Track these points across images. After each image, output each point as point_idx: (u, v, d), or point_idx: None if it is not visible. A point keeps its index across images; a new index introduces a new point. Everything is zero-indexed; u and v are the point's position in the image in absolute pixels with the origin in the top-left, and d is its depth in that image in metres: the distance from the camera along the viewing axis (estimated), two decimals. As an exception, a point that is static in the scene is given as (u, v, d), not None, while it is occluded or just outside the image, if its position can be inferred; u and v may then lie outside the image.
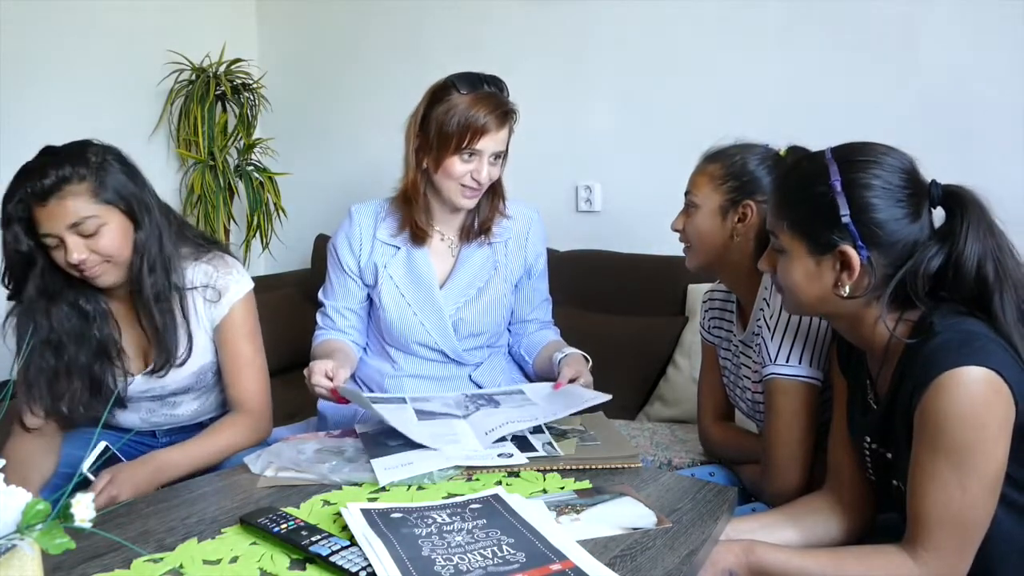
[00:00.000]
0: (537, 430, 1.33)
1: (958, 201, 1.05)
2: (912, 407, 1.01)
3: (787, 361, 1.30)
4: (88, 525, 0.73)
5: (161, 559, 0.94)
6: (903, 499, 1.06)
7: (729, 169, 1.38)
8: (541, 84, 2.60)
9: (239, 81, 3.04)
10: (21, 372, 1.38)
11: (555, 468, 1.20)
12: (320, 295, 1.76)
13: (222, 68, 3.00)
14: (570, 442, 1.28)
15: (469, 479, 1.18)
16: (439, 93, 1.59)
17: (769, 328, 1.33)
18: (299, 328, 2.11)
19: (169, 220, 1.46)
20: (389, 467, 1.17)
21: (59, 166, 1.30)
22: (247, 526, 1.00)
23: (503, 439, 1.27)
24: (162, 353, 1.44)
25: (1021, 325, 1.02)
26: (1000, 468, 0.99)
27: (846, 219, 1.04)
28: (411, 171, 1.63)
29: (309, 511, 1.07)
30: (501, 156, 1.62)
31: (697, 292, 2.14)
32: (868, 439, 1.15)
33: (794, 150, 1.33)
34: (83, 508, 0.73)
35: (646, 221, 2.42)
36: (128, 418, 1.55)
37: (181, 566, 0.92)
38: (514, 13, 2.69)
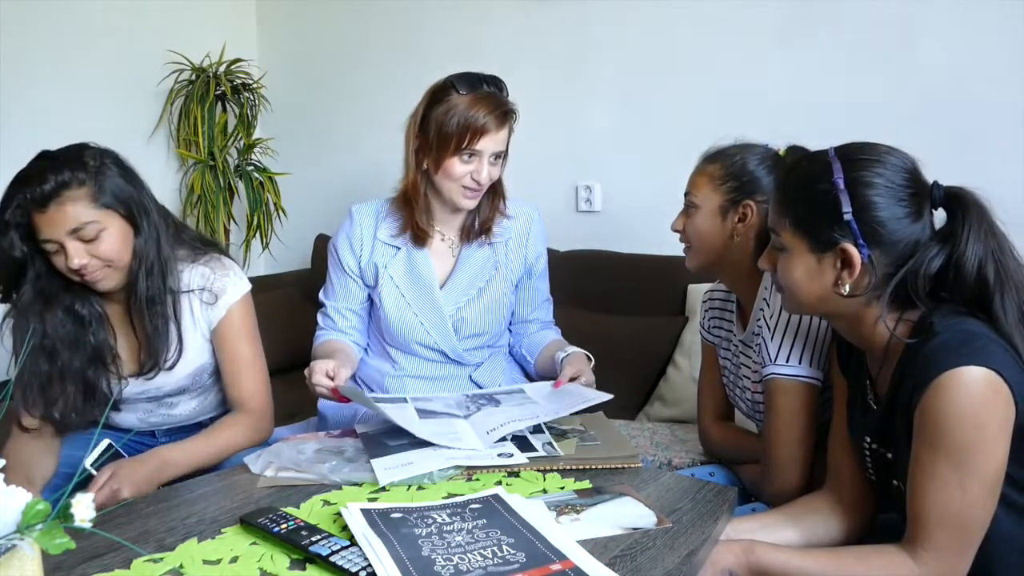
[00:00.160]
0: (537, 430, 1.33)
1: (960, 202, 1.05)
2: (912, 407, 1.01)
3: (787, 361, 1.30)
4: (88, 525, 0.73)
5: (161, 559, 0.94)
6: (903, 499, 1.06)
7: (729, 169, 1.38)
8: (541, 84, 2.60)
9: (239, 81, 3.04)
10: (17, 376, 1.38)
11: (555, 468, 1.20)
12: (321, 295, 1.76)
13: (222, 68, 3.00)
14: (570, 442, 1.29)
15: (469, 479, 1.18)
16: (438, 94, 1.59)
17: (769, 328, 1.33)
18: (299, 328, 2.12)
19: (167, 223, 1.46)
20: (389, 467, 1.17)
21: (58, 171, 1.30)
22: (247, 526, 1.00)
23: (504, 439, 1.27)
24: (151, 356, 1.44)
25: (1022, 326, 1.02)
26: (1000, 468, 0.99)
27: (848, 216, 1.05)
28: (411, 172, 1.63)
29: (309, 511, 1.07)
30: (501, 156, 1.62)
31: (697, 292, 2.14)
32: (868, 439, 1.15)
33: (794, 150, 1.33)
34: (83, 508, 0.73)
35: (646, 221, 2.42)
36: (126, 419, 1.55)
37: (181, 566, 0.92)
38: (514, 13, 2.69)
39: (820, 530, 1.19)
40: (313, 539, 0.94)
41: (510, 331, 1.81)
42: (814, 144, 1.21)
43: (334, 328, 1.72)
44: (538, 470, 1.20)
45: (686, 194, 1.43)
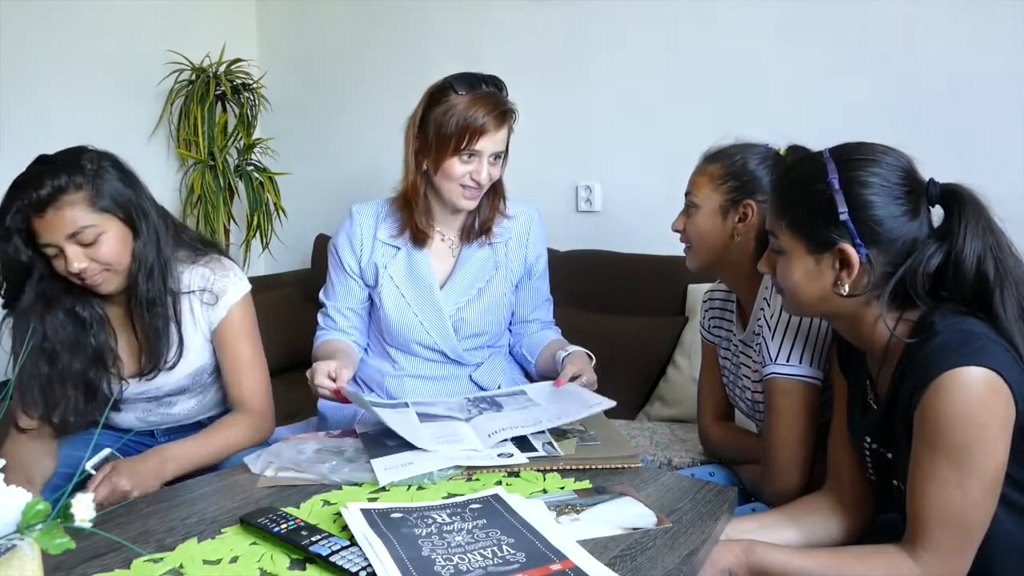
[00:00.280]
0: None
1: (956, 199, 1.05)
2: (912, 407, 1.01)
3: (787, 361, 1.30)
4: (88, 525, 0.73)
5: (161, 559, 0.94)
6: (903, 499, 1.06)
7: (729, 169, 1.38)
8: (541, 84, 2.61)
9: (239, 81, 3.04)
10: (16, 377, 1.38)
11: (555, 468, 1.20)
12: (321, 295, 1.76)
13: (222, 68, 3.00)
14: (570, 442, 1.28)
15: (469, 479, 1.18)
16: (437, 94, 1.58)
17: (770, 328, 1.33)
18: (299, 328, 2.12)
19: (166, 224, 1.46)
20: (389, 467, 1.17)
21: (55, 176, 1.30)
22: (247, 526, 1.00)
23: (504, 440, 1.27)
24: (151, 357, 1.44)
25: (1022, 323, 1.02)
26: (1000, 468, 0.99)
27: (844, 217, 1.05)
28: (411, 173, 1.63)
29: (309, 511, 1.07)
30: (501, 156, 1.62)
31: (697, 292, 2.14)
32: (868, 439, 1.15)
33: (794, 149, 1.33)
34: (83, 508, 0.73)
35: (646, 221, 2.42)
36: (124, 418, 1.55)
37: (181, 566, 0.92)
38: (514, 13, 2.69)
39: (820, 530, 1.19)
40: (313, 539, 0.94)
41: (510, 331, 1.81)
42: (814, 144, 1.21)
43: (334, 328, 1.72)
44: (538, 470, 1.20)
45: (687, 194, 1.43)
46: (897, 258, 1.05)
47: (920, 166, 1.09)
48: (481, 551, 0.92)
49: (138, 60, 2.91)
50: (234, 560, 0.94)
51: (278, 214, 3.09)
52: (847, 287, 1.07)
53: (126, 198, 1.37)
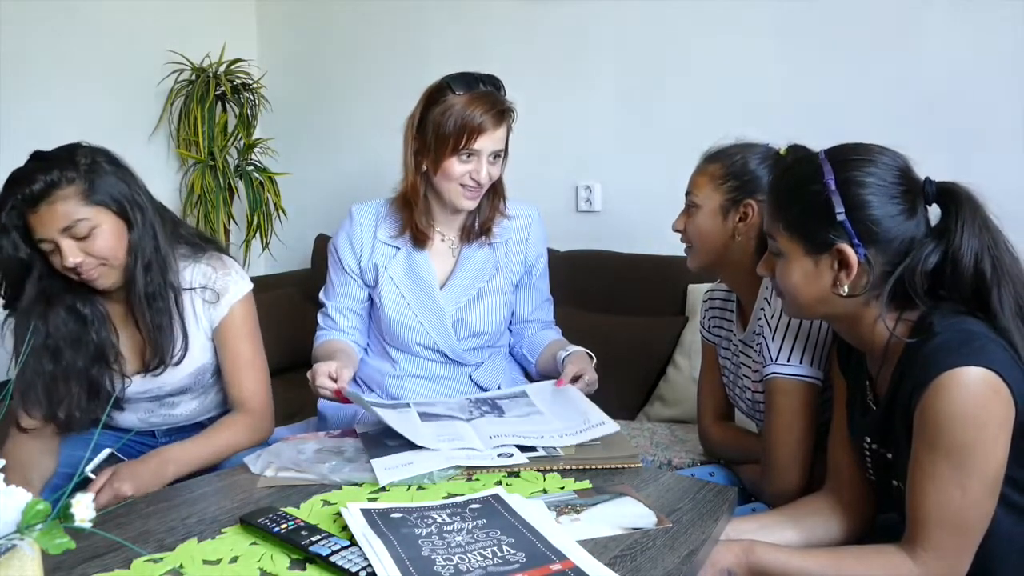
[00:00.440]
0: (537, 429, 1.33)
1: (953, 198, 1.05)
2: (912, 407, 1.01)
3: (788, 361, 1.30)
4: (88, 525, 0.73)
5: (161, 559, 0.94)
6: (903, 499, 1.06)
7: (730, 169, 1.38)
8: (541, 84, 2.60)
9: (239, 81, 3.04)
10: (18, 376, 1.38)
11: (555, 468, 1.20)
12: (321, 295, 1.76)
13: (222, 68, 3.00)
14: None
15: (469, 479, 1.18)
16: (435, 95, 1.58)
17: (770, 328, 1.33)
18: (299, 328, 2.12)
19: (163, 219, 1.46)
20: (389, 467, 1.17)
21: (47, 171, 1.30)
22: (247, 526, 1.00)
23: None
24: (157, 353, 1.44)
25: (1020, 320, 1.02)
26: (999, 468, 0.99)
27: (841, 217, 1.05)
28: (410, 174, 1.63)
29: (309, 511, 1.07)
30: (500, 155, 1.62)
31: (697, 292, 2.14)
32: (868, 439, 1.15)
33: (794, 149, 1.33)
34: (83, 508, 0.73)
35: (646, 221, 2.42)
36: (126, 419, 1.56)
37: (181, 566, 0.92)
38: (514, 13, 2.69)
39: (820, 530, 1.19)
40: (313, 539, 0.94)
41: (510, 331, 1.81)
42: (814, 144, 1.21)
43: (334, 328, 1.72)
44: (538, 470, 1.20)
45: (687, 194, 1.43)
46: (895, 257, 1.05)
47: (919, 166, 1.09)
48: (481, 551, 0.92)
49: (138, 60, 2.91)
50: (234, 560, 0.94)
51: (278, 214, 3.09)
52: (846, 287, 1.07)
53: (120, 192, 1.37)
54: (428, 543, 0.94)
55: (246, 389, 1.50)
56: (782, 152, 1.35)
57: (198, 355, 1.50)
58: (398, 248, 1.68)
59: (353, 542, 0.94)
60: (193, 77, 2.96)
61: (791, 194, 1.11)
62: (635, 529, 1.02)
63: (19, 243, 1.33)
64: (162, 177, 2.99)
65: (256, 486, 1.17)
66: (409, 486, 1.15)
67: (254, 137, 3.09)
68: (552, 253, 1.94)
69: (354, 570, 0.88)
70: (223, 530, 1.02)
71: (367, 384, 1.72)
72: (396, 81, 2.93)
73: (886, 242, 1.05)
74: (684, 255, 1.47)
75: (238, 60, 3.05)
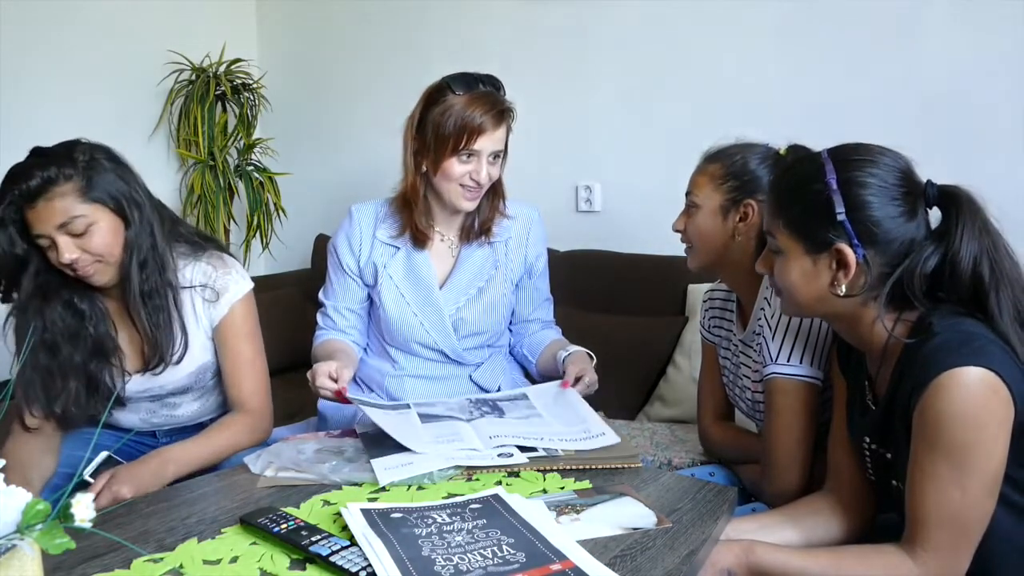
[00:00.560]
0: (537, 429, 1.32)
1: (953, 201, 1.05)
2: (911, 407, 1.01)
3: (788, 361, 1.30)
4: (88, 525, 0.73)
5: (161, 559, 0.94)
6: (903, 499, 1.06)
7: (730, 169, 1.38)
8: (541, 84, 2.60)
9: (239, 81, 3.04)
10: (19, 373, 1.38)
11: (555, 468, 1.20)
12: (320, 295, 1.76)
13: (222, 68, 3.00)
14: (570, 442, 1.28)
15: (469, 479, 1.18)
16: (434, 95, 1.58)
17: (770, 327, 1.33)
18: (299, 328, 2.12)
19: (162, 217, 1.45)
20: (389, 467, 1.17)
21: (45, 167, 1.30)
22: (247, 526, 1.00)
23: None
24: (155, 351, 1.44)
25: (1017, 324, 1.02)
26: (999, 468, 0.99)
27: (841, 217, 1.05)
28: (410, 175, 1.63)
29: (309, 511, 1.07)
30: (500, 155, 1.62)
31: (697, 292, 2.14)
32: (868, 439, 1.15)
33: (794, 149, 1.33)
34: (83, 508, 0.73)
35: (646, 221, 2.42)
36: (128, 418, 1.56)
37: (181, 566, 0.92)
38: (514, 13, 2.69)
39: (820, 530, 1.19)
40: (313, 539, 0.94)
41: (511, 331, 1.81)
42: (814, 144, 1.21)
43: (334, 328, 1.72)
44: (538, 470, 1.20)
45: (687, 194, 1.43)
46: (894, 259, 1.05)
47: (920, 167, 1.09)
48: (481, 551, 0.92)
49: (138, 60, 2.91)
50: (234, 560, 0.94)
51: (278, 214, 3.09)
52: (844, 287, 1.07)
53: (118, 189, 1.37)
54: (428, 543, 0.94)
55: (246, 389, 1.50)
56: (782, 152, 1.35)
57: (198, 354, 1.50)
58: (397, 248, 1.68)
59: (353, 542, 0.94)
60: (193, 77, 2.96)
61: (792, 192, 1.12)
62: (635, 529, 1.02)
63: (15, 238, 1.33)
64: (162, 177, 2.99)
65: (256, 486, 1.17)
66: (409, 486, 1.15)
67: (254, 137, 3.09)
68: (552, 253, 1.94)
69: (354, 570, 0.88)
70: (223, 530, 1.02)
71: (367, 384, 1.72)
72: (396, 81, 2.93)
73: (885, 243, 1.05)
74: (684, 255, 1.47)
75: (238, 60, 3.05)
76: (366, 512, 1.00)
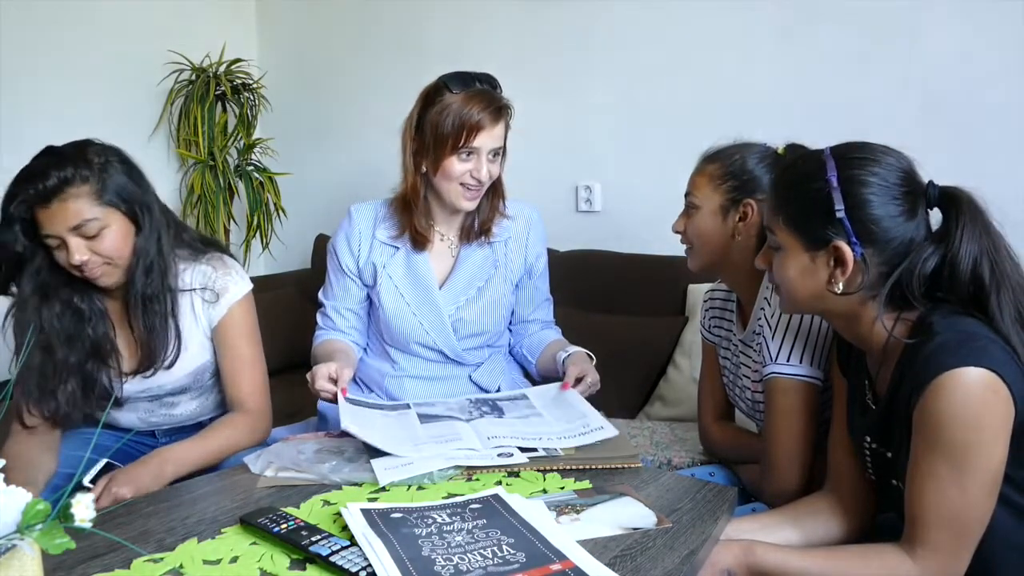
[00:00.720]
0: (537, 429, 1.32)
1: (954, 202, 1.05)
2: (911, 407, 1.01)
3: (788, 360, 1.30)
4: (88, 525, 0.73)
5: (161, 559, 0.94)
6: (903, 499, 1.06)
7: (729, 169, 1.38)
8: (541, 84, 2.61)
9: (239, 81, 3.04)
10: (18, 372, 1.39)
11: (555, 468, 1.20)
12: (320, 295, 1.76)
13: (222, 68, 3.00)
14: (570, 442, 1.28)
15: (469, 479, 1.18)
16: (432, 95, 1.58)
17: (770, 327, 1.33)
18: (299, 328, 2.12)
19: (168, 222, 1.46)
20: (389, 467, 1.17)
21: (62, 167, 1.30)
22: (247, 526, 1.00)
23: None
24: (147, 355, 1.44)
25: (1018, 326, 1.02)
26: (999, 468, 0.99)
27: (840, 214, 1.05)
28: (409, 175, 1.62)
29: (309, 511, 1.07)
30: (499, 153, 1.62)
31: (697, 292, 2.15)
32: (868, 439, 1.15)
33: (792, 148, 1.33)
34: (83, 508, 0.73)
35: (646, 221, 2.42)
36: (126, 418, 1.56)
37: (181, 566, 0.92)
38: (514, 13, 2.69)
39: (820, 530, 1.19)
40: (313, 539, 0.94)
41: (510, 331, 1.81)
42: (814, 144, 1.21)
43: (333, 328, 1.72)
44: (538, 470, 1.20)
45: (687, 194, 1.43)
46: (893, 258, 1.05)
47: (920, 167, 1.09)
48: (481, 551, 0.92)
49: (138, 60, 2.91)
50: (234, 560, 0.94)
51: (278, 214, 3.09)
52: (841, 285, 1.07)
53: (131, 193, 1.38)
54: (428, 543, 0.94)
55: (245, 389, 1.50)
56: (780, 151, 1.35)
57: (197, 354, 1.50)
58: (397, 248, 1.68)
59: (353, 542, 0.94)
60: (193, 77, 2.96)
61: (793, 189, 1.12)
62: (635, 529, 1.02)
63: (19, 236, 1.33)
64: (162, 177, 2.99)
65: (256, 486, 1.17)
66: (409, 486, 1.15)
67: (254, 137, 3.09)
68: (552, 253, 1.94)
69: (354, 570, 0.88)
70: (223, 530, 1.02)
71: (367, 384, 1.72)
72: (396, 81, 2.93)
73: (884, 242, 1.05)
74: (684, 255, 1.47)
75: (238, 60, 3.05)
76: (366, 512, 1.00)
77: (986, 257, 1.03)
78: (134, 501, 1.15)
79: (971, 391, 0.96)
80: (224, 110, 3.05)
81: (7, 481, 0.75)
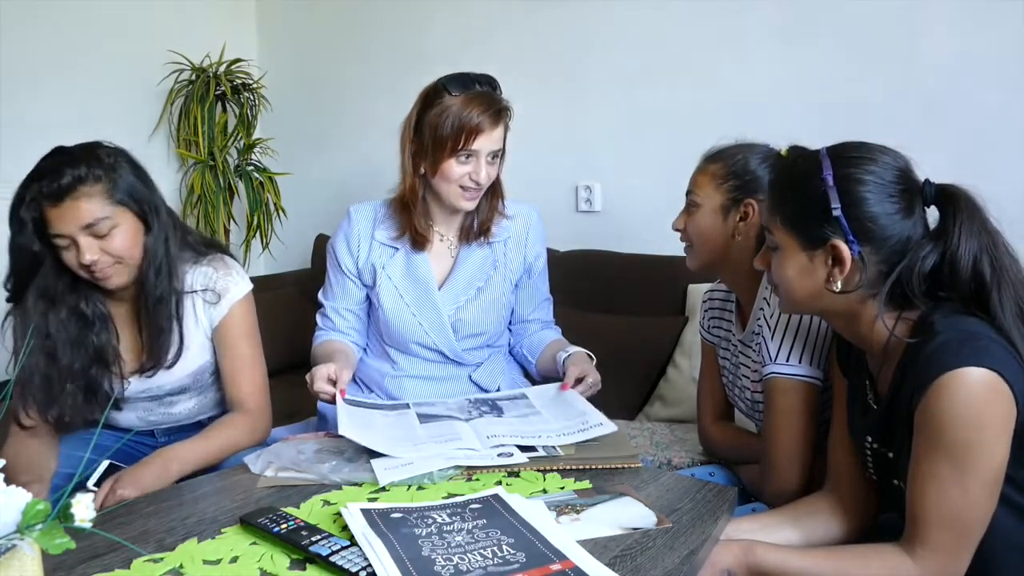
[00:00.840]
0: (537, 429, 1.32)
1: (951, 200, 1.05)
2: (913, 407, 1.01)
3: (787, 360, 1.30)
4: (88, 525, 0.73)
5: (161, 559, 0.94)
6: (904, 498, 1.06)
7: (731, 168, 1.38)
8: (541, 84, 2.61)
9: (239, 81, 3.04)
10: (17, 375, 1.38)
11: (555, 468, 1.20)
12: (319, 296, 1.76)
13: (222, 68, 3.00)
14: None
15: (469, 479, 1.18)
16: (431, 97, 1.58)
17: (769, 327, 1.33)
18: (299, 328, 2.12)
19: (174, 224, 1.47)
20: (389, 467, 1.17)
21: (75, 166, 1.31)
22: (247, 526, 1.00)
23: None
24: (152, 356, 1.45)
25: (1019, 322, 1.02)
26: (1000, 468, 0.99)
27: (837, 212, 1.05)
28: (408, 177, 1.62)
29: (309, 511, 1.07)
30: (498, 155, 1.62)
31: (697, 292, 2.14)
32: (869, 439, 1.15)
33: (795, 149, 1.32)
34: (83, 508, 0.73)
35: (646, 221, 2.42)
36: (125, 418, 1.56)
37: (181, 566, 0.92)
38: (514, 13, 2.69)
39: (820, 530, 1.19)
40: (313, 539, 0.94)
41: (510, 331, 1.81)
42: (816, 145, 1.21)
43: (333, 328, 1.72)
44: (538, 470, 1.20)
45: (688, 193, 1.43)
46: (890, 256, 1.05)
47: (919, 167, 1.09)
48: (481, 551, 0.92)
49: (138, 60, 2.91)
50: (234, 560, 0.94)
51: (278, 214, 3.09)
52: (839, 284, 1.07)
53: (140, 193, 1.39)
54: (428, 543, 0.94)
55: (245, 389, 1.50)
56: (783, 152, 1.35)
57: (197, 355, 1.50)
58: (396, 248, 1.68)
59: (353, 542, 0.94)
60: (193, 77, 2.96)
61: (790, 188, 1.12)
62: (635, 529, 1.02)
63: (34, 238, 1.34)
64: (162, 177, 2.95)
65: (256, 486, 1.17)
66: (409, 486, 1.15)
67: (254, 137, 3.09)
68: (552, 253, 1.94)
69: (354, 570, 0.88)
70: (223, 530, 1.02)
71: (366, 384, 1.72)
72: (396, 81, 2.92)
73: (881, 240, 1.05)
74: (684, 255, 1.47)
75: (238, 60, 3.05)
76: (366, 512, 1.00)
77: (985, 253, 1.03)
78: (134, 501, 1.15)
79: (973, 391, 0.96)
80: (224, 110, 3.05)
81: (8, 481, 0.75)
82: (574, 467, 1.21)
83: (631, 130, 2.51)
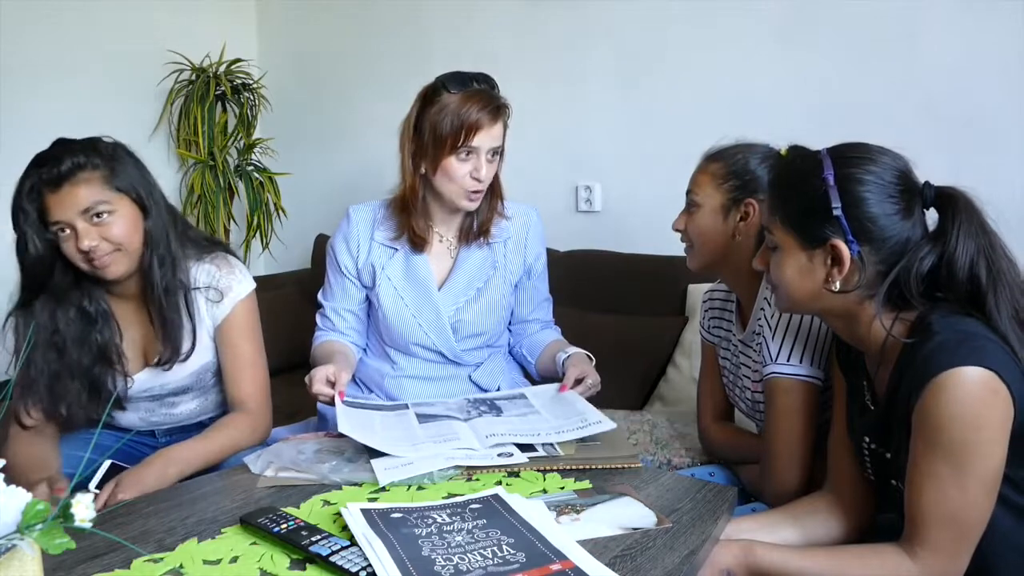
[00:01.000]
0: (537, 429, 1.33)
1: (950, 202, 1.05)
2: (911, 407, 1.01)
3: (788, 360, 1.30)
4: (88, 525, 0.73)
5: (161, 559, 0.94)
6: (902, 499, 1.06)
7: (731, 168, 1.38)
8: (541, 84, 2.61)
9: (239, 81, 3.04)
10: (20, 373, 1.38)
11: (555, 468, 1.20)
12: (319, 296, 1.76)
13: (222, 68, 3.00)
14: (570, 442, 1.28)
15: (469, 479, 1.18)
16: (430, 96, 1.58)
17: (770, 327, 1.33)
18: (299, 328, 2.12)
19: (174, 219, 1.47)
20: (389, 467, 1.17)
21: (74, 153, 1.33)
22: (247, 526, 1.00)
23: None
24: (168, 346, 1.45)
25: (1016, 324, 1.02)
26: (998, 468, 0.99)
27: (837, 212, 1.05)
28: (408, 176, 1.62)
29: (309, 511, 1.07)
30: (498, 152, 1.62)
31: (697, 292, 2.14)
32: (867, 439, 1.15)
33: (795, 149, 1.32)
34: (83, 508, 0.73)
35: (646, 221, 2.42)
36: (127, 418, 1.56)
37: (181, 566, 0.92)
38: (514, 13, 2.69)
39: (820, 530, 1.19)
40: (313, 539, 0.94)
41: (510, 331, 1.81)
42: (815, 145, 1.21)
43: (332, 329, 1.72)
44: (538, 470, 1.20)
45: (688, 192, 1.43)
46: (889, 257, 1.05)
47: (918, 167, 1.09)
48: (481, 551, 0.92)
49: (138, 60, 2.91)
50: (234, 560, 0.94)
51: (278, 214, 3.09)
52: (838, 284, 1.07)
53: (139, 181, 1.41)
54: (428, 543, 0.94)
55: (245, 388, 1.50)
56: (783, 152, 1.35)
57: (201, 354, 1.50)
58: (396, 249, 1.68)
59: (353, 542, 0.94)
60: (193, 77, 2.96)
61: (790, 188, 1.12)
62: (635, 529, 1.02)
63: (36, 235, 1.34)
64: (162, 177, 2.91)
65: (256, 486, 1.17)
66: (409, 486, 1.15)
67: (254, 137, 3.09)
68: (552, 253, 1.94)
69: (354, 570, 0.88)
70: (223, 530, 1.02)
71: (366, 385, 1.72)
72: (396, 81, 2.90)
73: (880, 240, 1.05)
74: (684, 255, 1.47)
75: (238, 60, 3.05)
76: (366, 512, 1.00)
77: (983, 256, 1.03)
78: (134, 501, 1.15)
79: (970, 391, 0.96)
80: (224, 110, 3.05)
81: (15, 481, 0.75)
82: (574, 467, 1.21)
83: (631, 130, 2.51)
